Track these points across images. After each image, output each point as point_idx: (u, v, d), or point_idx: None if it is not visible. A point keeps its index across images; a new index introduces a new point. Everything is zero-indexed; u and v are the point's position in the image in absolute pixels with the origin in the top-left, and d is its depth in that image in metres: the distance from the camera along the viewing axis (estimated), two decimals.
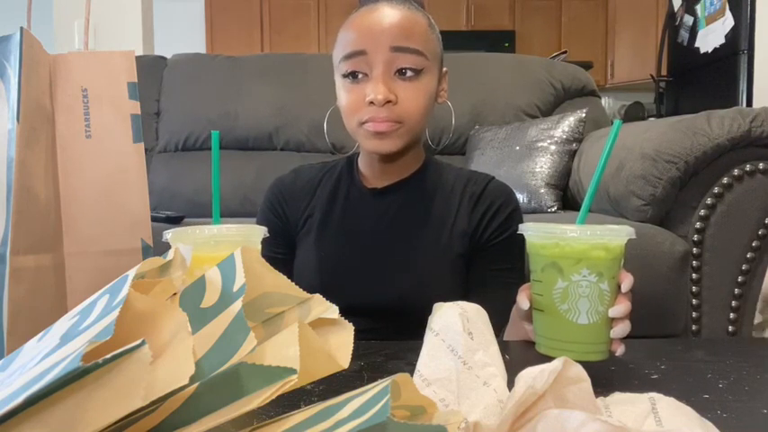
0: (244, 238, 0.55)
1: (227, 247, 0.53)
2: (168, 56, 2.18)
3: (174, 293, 0.29)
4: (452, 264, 0.79)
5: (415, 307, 0.56)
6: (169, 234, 0.53)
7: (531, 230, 0.53)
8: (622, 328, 0.51)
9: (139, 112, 0.58)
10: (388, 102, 0.72)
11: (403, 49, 0.72)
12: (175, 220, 1.47)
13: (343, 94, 0.76)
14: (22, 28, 0.51)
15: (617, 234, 0.50)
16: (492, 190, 0.82)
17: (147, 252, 0.58)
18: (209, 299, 0.28)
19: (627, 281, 0.51)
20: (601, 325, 0.50)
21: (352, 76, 0.74)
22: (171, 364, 0.24)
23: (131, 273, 0.28)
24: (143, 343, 0.22)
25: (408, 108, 0.73)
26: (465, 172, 0.86)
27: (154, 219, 1.19)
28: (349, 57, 0.73)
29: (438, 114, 0.85)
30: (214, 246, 0.53)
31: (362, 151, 0.84)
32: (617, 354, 0.52)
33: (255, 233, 0.56)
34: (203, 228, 0.54)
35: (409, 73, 0.73)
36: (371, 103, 0.72)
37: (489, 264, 0.79)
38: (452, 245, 0.79)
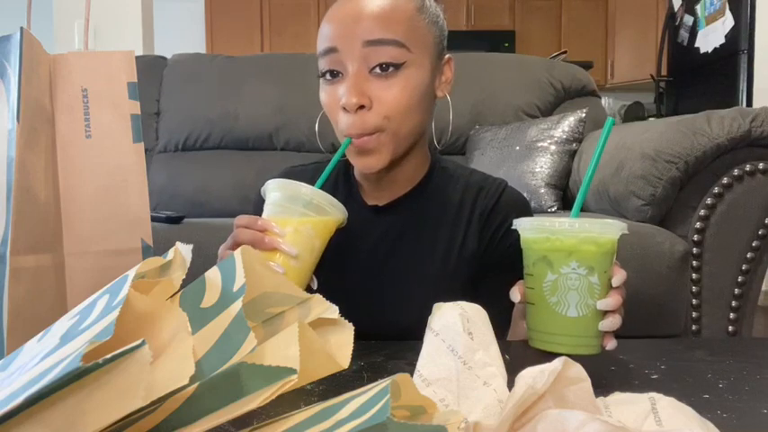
0: (339, 213, 0.63)
1: (322, 213, 0.61)
2: (168, 56, 2.18)
3: (174, 293, 0.29)
4: (462, 290, 0.71)
5: (420, 337, 0.53)
6: (271, 184, 0.62)
7: (523, 225, 0.53)
8: (611, 321, 0.50)
9: (139, 112, 0.58)
10: (362, 107, 0.64)
11: (378, 42, 0.64)
12: (175, 220, 1.47)
13: (321, 94, 0.69)
14: (22, 28, 0.51)
15: (607, 228, 0.50)
16: (504, 204, 0.74)
17: (147, 252, 0.58)
18: (209, 299, 0.28)
19: (618, 275, 0.51)
20: (591, 318, 0.50)
21: (330, 74, 0.67)
22: (171, 364, 0.24)
23: (131, 273, 0.28)
24: (143, 343, 0.22)
25: (388, 110, 0.65)
26: (476, 179, 0.77)
27: (154, 219, 1.19)
28: (322, 54, 0.67)
29: (435, 113, 0.77)
30: (316, 207, 0.60)
31: None
32: (607, 348, 0.52)
33: (344, 212, 0.63)
34: (311, 188, 0.61)
35: (390, 68, 0.64)
36: (343, 108, 0.65)
37: (500, 280, 0.70)
38: (460, 269, 0.72)
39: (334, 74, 0.67)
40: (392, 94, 0.65)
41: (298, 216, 0.60)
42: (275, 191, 0.61)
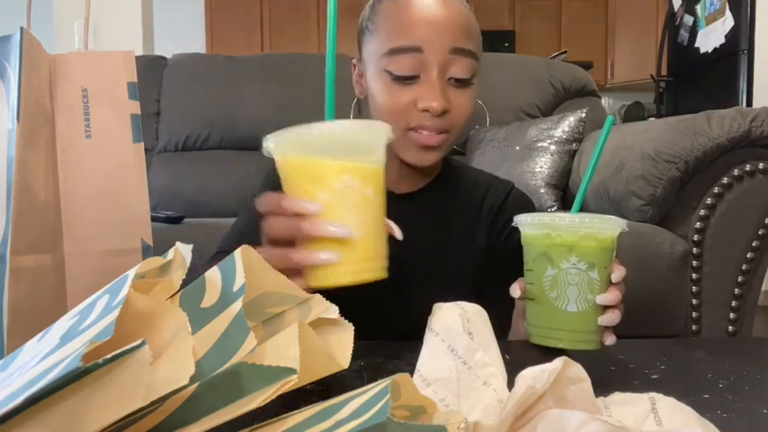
0: (372, 138, 0.44)
1: (353, 150, 0.43)
2: (168, 56, 2.18)
3: (174, 293, 0.29)
4: (475, 281, 0.73)
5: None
6: (270, 141, 0.44)
7: (523, 221, 0.54)
8: (611, 317, 0.51)
9: (139, 112, 0.58)
10: (445, 111, 0.65)
11: (461, 51, 0.65)
12: (175, 220, 1.47)
13: (386, 93, 0.66)
14: (22, 28, 0.51)
15: (608, 224, 0.51)
16: (512, 203, 0.77)
17: (147, 252, 0.58)
18: (210, 299, 0.28)
19: (618, 272, 0.51)
20: (590, 313, 0.51)
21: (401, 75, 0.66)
22: (171, 364, 0.24)
23: (131, 273, 0.28)
24: (143, 343, 0.22)
25: (459, 118, 0.67)
26: (484, 178, 0.80)
27: (154, 219, 1.19)
28: (400, 51, 0.64)
29: None
30: (337, 147, 0.42)
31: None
32: (606, 343, 0.52)
33: (384, 130, 0.44)
34: (315, 126, 0.42)
35: (462, 80, 0.67)
36: (425, 110, 0.65)
37: (501, 280, 0.70)
38: (474, 263, 0.74)
39: (406, 75, 0.65)
40: (464, 104, 0.68)
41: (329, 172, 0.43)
42: (281, 145, 0.44)
